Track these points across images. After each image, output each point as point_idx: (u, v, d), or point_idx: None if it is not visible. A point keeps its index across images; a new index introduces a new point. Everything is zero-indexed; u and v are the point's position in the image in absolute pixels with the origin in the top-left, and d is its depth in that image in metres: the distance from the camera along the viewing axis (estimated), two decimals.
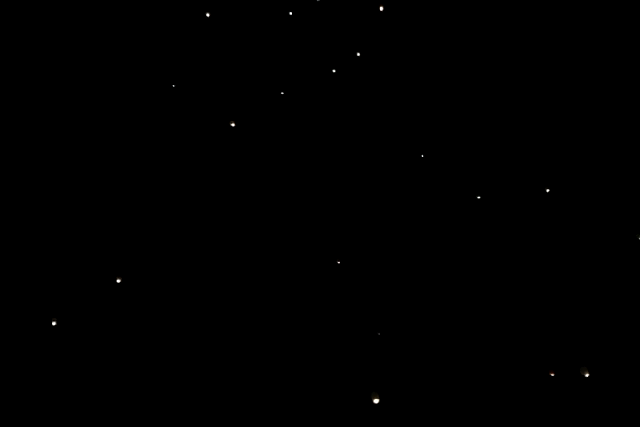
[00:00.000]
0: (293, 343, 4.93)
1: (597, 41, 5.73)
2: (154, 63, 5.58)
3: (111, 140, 5.37)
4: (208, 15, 5.70)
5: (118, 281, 5.00)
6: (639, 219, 5.21)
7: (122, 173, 5.31)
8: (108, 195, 5.25)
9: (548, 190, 5.38)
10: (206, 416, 4.73)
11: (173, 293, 5.05)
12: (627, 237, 5.16)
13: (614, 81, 5.65)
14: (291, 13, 5.83)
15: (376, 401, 4.67)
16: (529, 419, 4.68)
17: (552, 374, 4.76)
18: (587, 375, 4.61)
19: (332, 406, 4.77)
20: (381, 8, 5.82)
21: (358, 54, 5.82)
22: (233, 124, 5.45)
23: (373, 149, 5.58)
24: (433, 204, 5.40)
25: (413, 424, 4.72)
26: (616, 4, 5.74)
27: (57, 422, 4.68)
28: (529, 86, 5.71)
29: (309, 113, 5.66)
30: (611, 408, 4.65)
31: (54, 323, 4.86)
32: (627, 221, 5.22)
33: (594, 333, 4.89)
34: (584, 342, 4.86)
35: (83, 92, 5.46)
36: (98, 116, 5.42)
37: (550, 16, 5.80)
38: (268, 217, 5.31)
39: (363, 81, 5.79)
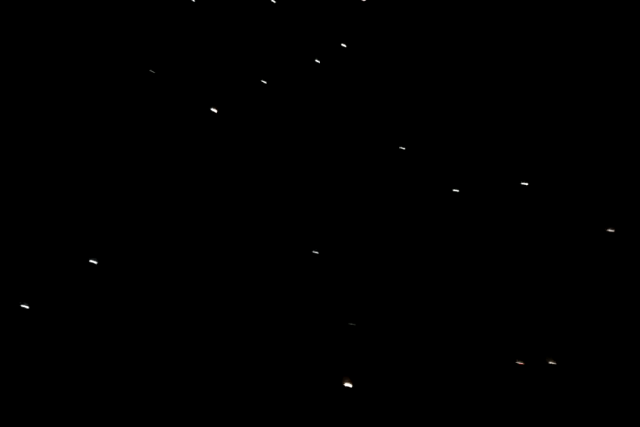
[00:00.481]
0: (272, 333, 4.96)
1: (582, 37, 5.77)
2: (132, 48, 5.60)
3: (88, 127, 5.39)
4: (193, 0, 5.73)
5: (95, 262, 5.01)
6: (609, 212, 5.27)
7: (100, 157, 5.32)
8: (89, 181, 5.26)
9: (526, 183, 5.43)
10: (187, 404, 4.75)
11: (151, 277, 5.07)
12: (595, 229, 5.21)
13: (599, 77, 5.69)
14: (274, 1, 5.86)
15: (348, 385, 4.71)
16: (508, 409, 4.72)
17: (520, 363, 4.81)
18: (551, 363, 4.66)
19: (308, 393, 4.81)
20: None
21: (344, 45, 5.85)
22: (215, 110, 5.48)
23: (355, 141, 5.61)
24: (412, 195, 5.43)
25: (390, 412, 4.77)
26: (616, 4, 5.78)
27: (31, 413, 4.70)
28: (514, 79, 5.75)
29: (292, 104, 5.69)
30: (586, 399, 4.70)
31: (26, 306, 4.83)
32: (596, 213, 5.27)
33: (564, 323, 4.95)
34: (552, 332, 4.91)
35: (63, 77, 5.47)
36: (74, 102, 5.43)
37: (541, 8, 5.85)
38: (248, 206, 5.33)
39: (347, 72, 5.82)
